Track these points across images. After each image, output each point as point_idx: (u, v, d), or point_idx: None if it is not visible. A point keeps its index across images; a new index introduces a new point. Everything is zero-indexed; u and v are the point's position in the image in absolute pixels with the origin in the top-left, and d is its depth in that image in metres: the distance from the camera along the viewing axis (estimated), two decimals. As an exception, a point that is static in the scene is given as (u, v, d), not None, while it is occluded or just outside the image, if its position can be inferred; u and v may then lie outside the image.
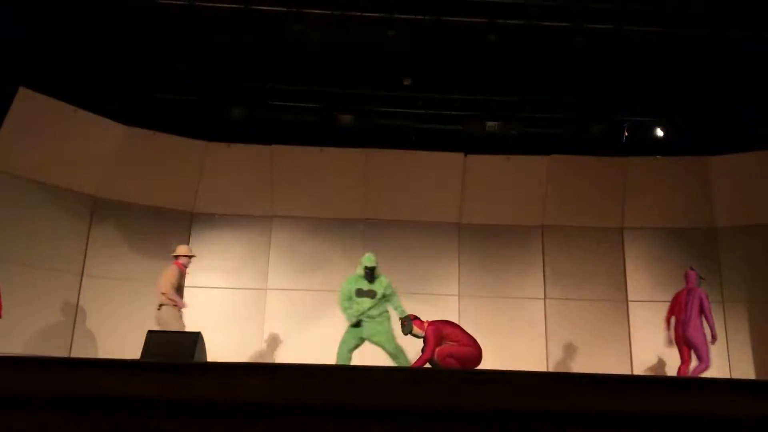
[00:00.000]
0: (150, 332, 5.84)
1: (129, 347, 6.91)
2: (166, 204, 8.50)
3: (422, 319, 6.46)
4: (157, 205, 8.45)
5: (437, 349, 6.22)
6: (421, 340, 6.35)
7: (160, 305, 6.73)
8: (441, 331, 6.27)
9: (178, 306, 6.73)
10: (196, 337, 5.72)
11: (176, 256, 7.00)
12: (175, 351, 5.44)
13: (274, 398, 2.45)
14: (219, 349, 7.35)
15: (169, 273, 6.79)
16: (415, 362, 6.27)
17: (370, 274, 6.85)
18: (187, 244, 8.50)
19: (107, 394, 2.42)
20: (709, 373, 7.87)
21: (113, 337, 7.73)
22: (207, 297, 8.41)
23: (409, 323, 6.43)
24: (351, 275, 6.98)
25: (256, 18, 7.13)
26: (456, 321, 8.37)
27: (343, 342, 6.79)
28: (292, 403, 2.43)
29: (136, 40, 7.54)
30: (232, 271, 8.58)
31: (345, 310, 6.83)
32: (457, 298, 8.54)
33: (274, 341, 8.29)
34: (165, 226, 8.45)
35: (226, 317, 8.33)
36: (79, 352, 7.56)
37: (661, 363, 8.05)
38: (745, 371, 8.00)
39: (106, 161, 8.05)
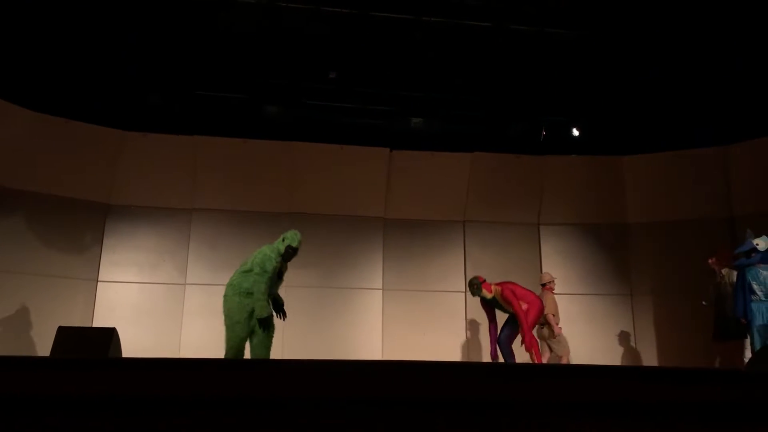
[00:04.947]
0: (60, 328, 5.59)
1: (39, 344, 6.59)
2: (79, 195, 8.12)
3: (488, 283, 6.94)
4: (70, 196, 8.06)
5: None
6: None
7: (543, 325, 7.46)
8: (515, 292, 6.76)
9: (554, 333, 7.42)
10: (110, 333, 5.51)
11: (544, 284, 7.71)
12: (87, 347, 5.23)
13: (191, 393, 2.40)
14: (135, 346, 7.12)
15: (550, 298, 7.52)
16: (525, 328, 6.62)
17: (290, 257, 5.88)
18: (101, 236, 8.20)
19: (17, 393, 2.29)
20: (616, 361, 8.27)
21: (23, 333, 7.33)
22: (122, 292, 8.13)
23: (479, 285, 6.85)
24: (270, 247, 5.80)
25: (179, 4, 6.93)
26: (379, 314, 8.49)
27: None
28: (209, 397, 2.38)
29: (48, 20, 7.16)
30: (149, 266, 8.30)
31: (264, 296, 5.50)
32: (381, 291, 8.61)
33: (192, 337, 8.08)
34: (78, 218, 8.08)
35: (142, 313, 8.06)
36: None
37: (575, 352, 8.39)
38: (650, 358, 8.48)
39: (12, 149, 7.60)
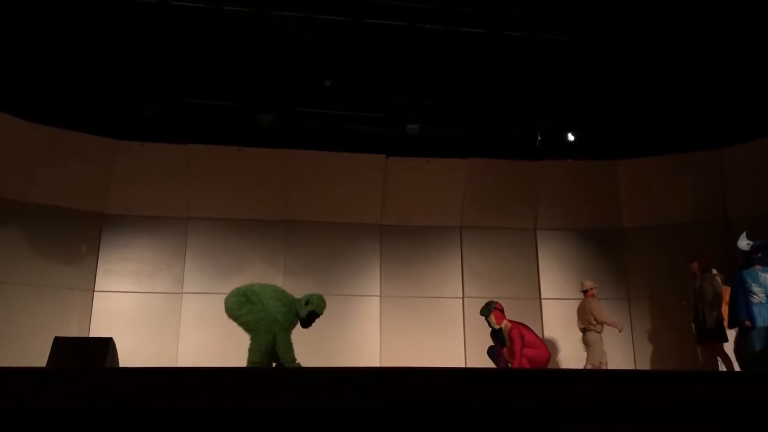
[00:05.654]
0: (57, 338, 5.55)
1: (35, 355, 6.54)
2: (74, 205, 8.10)
3: (503, 314, 7.10)
4: (65, 205, 8.03)
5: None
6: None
7: (586, 330, 7.57)
8: (524, 336, 6.87)
9: (617, 328, 7.57)
10: (107, 343, 5.48)
11: (585, 290, 7.79)
12: (84, 357, 5.20)
13: (190, 402, 2.39)
14: (132, 355, 7.08)
15: (595, 305, 7.62)
16: (514, 364, 6.78)
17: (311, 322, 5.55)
18: (97, 245, 8.18)
19: (13, 403, 2.28)
20: (614, 365, 8.27)
21: (19, 344, 7.30)
22: (119, 301, 8.10)
23: (490, 309, 7.03)
24: (287, 302, 5.49)
25: (172, 12, 6.92)
26: (377, 321, 8.48)
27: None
28: (208, 406, 2.37)
29: (39, 28, 7.14)
30: (145, 275, 8.28)
31: (292, 355, 5.34)
32: (378, 298, 8.59)
33: (190, 346, 8.04)
34: (74, 228, 8.06)
35: (139, 322, 8.03)
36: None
37: (570, 356, 8.38)
38: (647, 361, 8.47)
39: (6, 159, 7.57)
